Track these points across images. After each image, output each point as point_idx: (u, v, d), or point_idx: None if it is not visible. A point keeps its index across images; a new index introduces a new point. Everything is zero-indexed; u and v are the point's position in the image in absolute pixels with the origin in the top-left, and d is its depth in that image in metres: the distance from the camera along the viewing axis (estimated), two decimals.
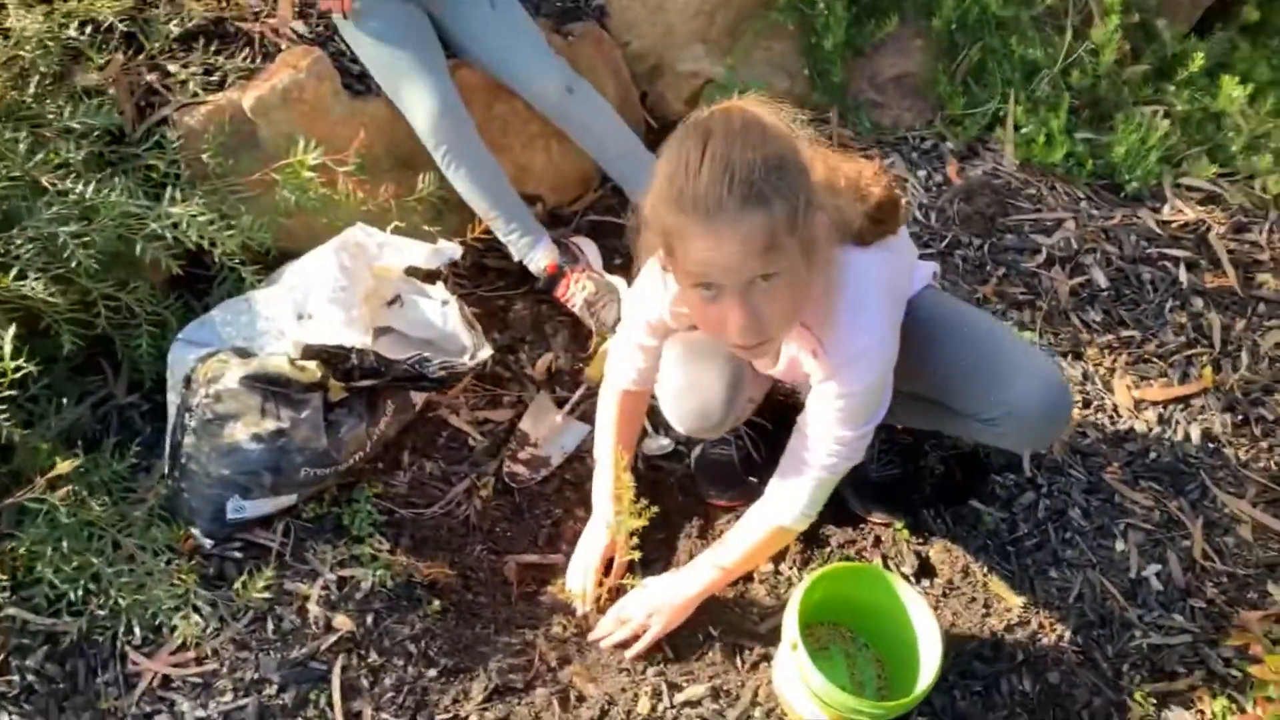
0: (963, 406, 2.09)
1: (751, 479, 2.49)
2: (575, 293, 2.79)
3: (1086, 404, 2.83)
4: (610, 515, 2.31)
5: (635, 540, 2.24)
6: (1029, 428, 2.04)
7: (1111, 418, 2.81)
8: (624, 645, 2.23)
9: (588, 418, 2.69)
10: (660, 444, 2.61)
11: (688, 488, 2.54)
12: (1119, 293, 3.09)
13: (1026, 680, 2.30)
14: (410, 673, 2.17)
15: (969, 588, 2.42)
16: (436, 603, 2.27)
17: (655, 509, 2.21)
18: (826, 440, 1.98)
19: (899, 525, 2.48)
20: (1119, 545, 2.55)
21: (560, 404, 2.70)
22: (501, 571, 2.39)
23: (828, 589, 2.14)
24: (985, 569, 2.45)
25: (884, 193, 1.86)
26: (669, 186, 1.62)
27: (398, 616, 2.24)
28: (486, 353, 2.47)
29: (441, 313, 2.49)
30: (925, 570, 2.44)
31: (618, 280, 2.81)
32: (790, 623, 2.04)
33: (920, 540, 2.48)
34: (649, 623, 2.22)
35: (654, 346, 2.20)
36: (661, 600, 2.21)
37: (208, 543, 2.31)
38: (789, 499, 2.08)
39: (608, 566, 2.33)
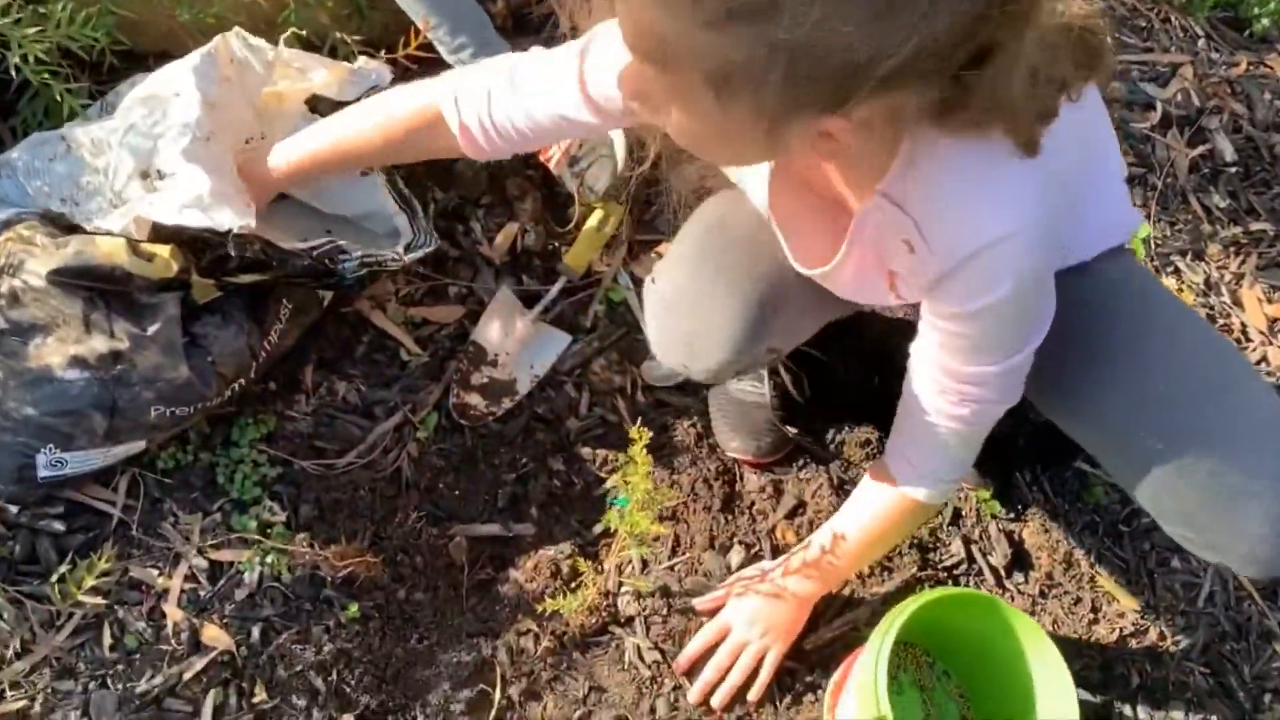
0: (1147, 501, 1.36)
1: (790, 429, 1.81)
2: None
3: (1210, 320, 2.18)
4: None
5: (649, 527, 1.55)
6: (1244, 562, 1.32)
7: (1239, 341, 2.18)
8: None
9: (571, 325, 1.95)
10: (668, 369, 1.89)
11: (706, 435, 1.85)
12: (1248, 170, 2.39)
13: (1143, 713, 1.74)
14: (316, 718, 1.50)
15: (1073, 584, 1.82)
16: (355, 606, 1.59)
17: (672, 493, 1.51)
18: (951, 381, 1.28)
19: (984, 494, 1.85)
20: None
21: (530, 302, 1.95)
22: (446, 550, 1.70)
23: (915, 613, 1.51)
24: (1093, 558, 1.85)
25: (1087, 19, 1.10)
26: None
27: (298, 629, 1.56)
28: (429, 245, 1.69)
29: (364, 180, 1.69)
30: (1019, 561, 1.82)
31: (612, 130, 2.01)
32: (878, 693, 1.40)
33: (1011, 516, 1.86)
34: (762, 646, 1.60)
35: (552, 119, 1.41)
36: (770, 612, 1.60)
37: (12, 509, 1.56)
38: (915, 463, 1.41)
39: None
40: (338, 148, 1.57)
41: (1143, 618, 1.82)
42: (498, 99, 1.42)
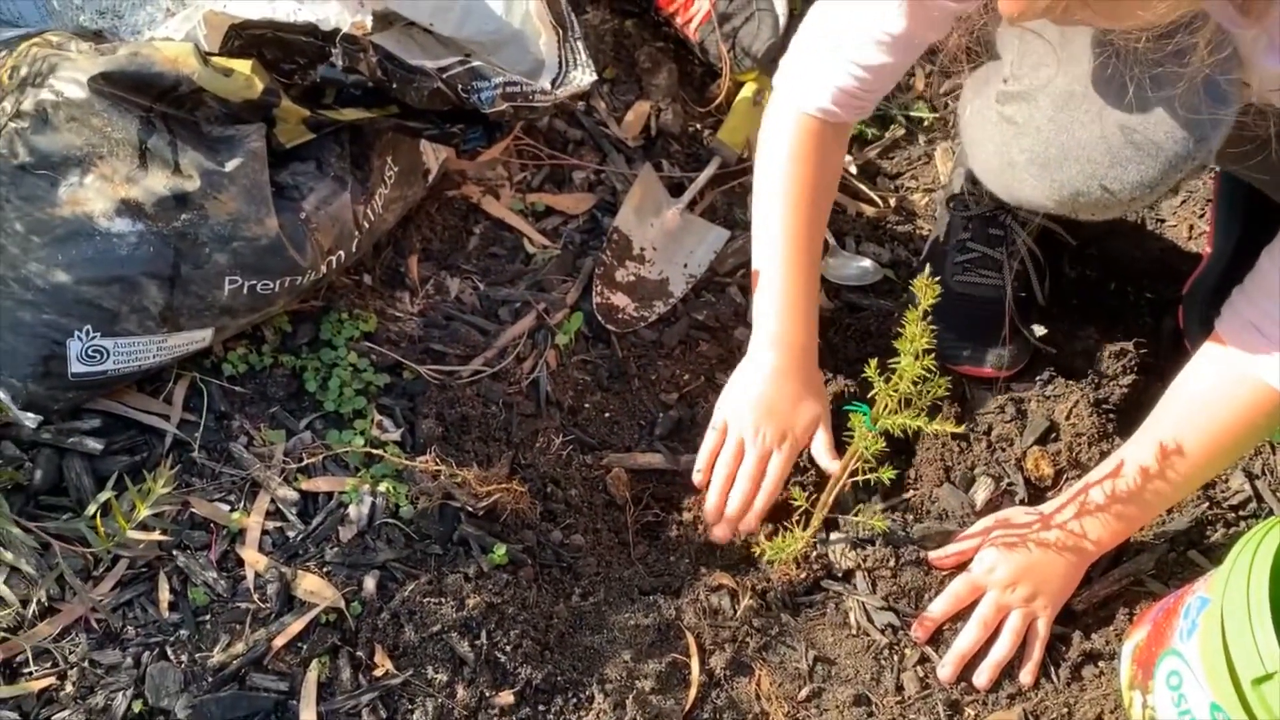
0: None
1: (1031, 329, 1.42)
2: None
3: None
4: (781, 356, 1.26)
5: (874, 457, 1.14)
6: None
7: None
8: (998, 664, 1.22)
9: (725, 218, 1.56)
10: (859, 266, 1.52)
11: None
12: None
13: None
14: (462, 698, 1.08)
15: None
16: (501, 548, 1.17)
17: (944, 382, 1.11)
18: None
19: None
20: None
21: (674, 191, 1.56)
22: (602, 484, 1.30)
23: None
24: None
25: None
26: None
27: (428, 578, 1.14)
28: (585, 79, 1.30)
29: None
30: None
31: None
32: (1260, 645, 1.01)
33: None
34: (1029, 611, 1.22)
35: (886, 65, 1.18)
36: (1039, 567, 1.21)
37: (29, 420, 1.14)
38: None
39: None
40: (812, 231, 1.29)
41: None
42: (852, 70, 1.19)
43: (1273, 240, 1.09)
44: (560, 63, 1.31)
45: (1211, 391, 1.13)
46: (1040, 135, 1.05)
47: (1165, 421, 1.16)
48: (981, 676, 1.21)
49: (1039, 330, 1.41)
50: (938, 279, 1.04)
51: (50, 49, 1.10)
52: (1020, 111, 1.07)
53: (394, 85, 1.16)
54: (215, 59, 1.12)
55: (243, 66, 1.12)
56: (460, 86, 1.19)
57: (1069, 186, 1.05)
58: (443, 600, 1.11)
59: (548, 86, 1.27)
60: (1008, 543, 1.23)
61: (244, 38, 1.12)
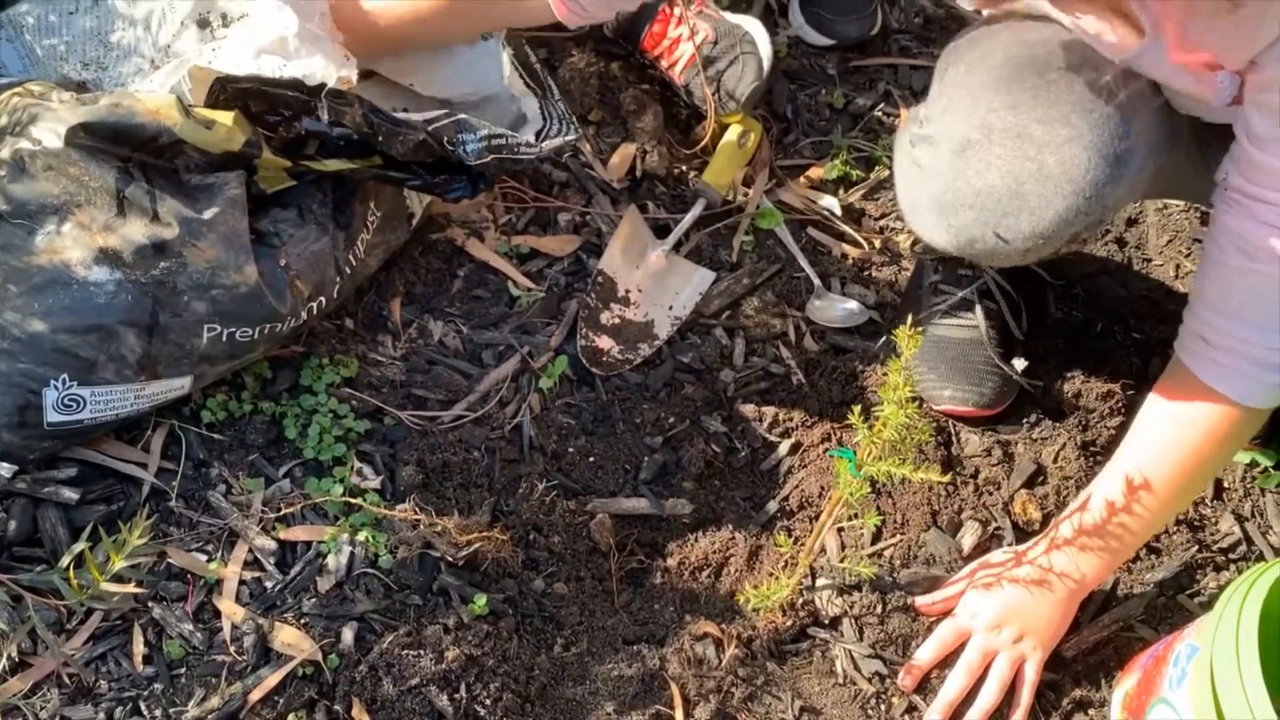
0: None
1: (1013, 363, 1.41)
2: (679, 40, 1.62)
3: None
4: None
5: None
6: None
7: None
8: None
9: (711, 260, 1.56)
10: (845, 308, 1.51)
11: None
12: None
13: None
14: None
15: None
16: (482, 598, 1.16)
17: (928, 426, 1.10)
18: None
19: (1254, 456, 1.46)
20: None
21: (659, 233, 1.56)
22: (586, 531, 1.29)
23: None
24: None
25: None
26: None
27: (407, 630, 1.12)
28: (570, 134, 1.30)
29: (481, 51, 1.30)
30: None
31: (751, 23, 1.65)
32: (1248, 694, 1.00)
33: None
34: (1017, 654, 1.20)
35: None
36: (1025, 608, 1.20)
37: (4, 470, 1.13)
38: (1227, 344, 1.07)
39: None
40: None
41: None
42: None
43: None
44: (544, 116, 1.31)
45: (1172, 410, 1.13)
46: (940, 180, 1.07)
47: (1134, 447, 1.16)
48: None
49: (1020, 364, 1.40)
50: (919, 327, 1.05)
51: (31, 99, 1.10)
52: (925, 155, 1.09)
53: (379, 138, 1.15)
54: (197, 110, 1.11)
55: (225, 118, 1.12)
56: (446, 138, 1.19)
57: (965, 233, 1.07)
58: (422, 652, 1.10)
59: (532, 139, 1.27)
60: (988, 583, 1.22)
61: (229, 91, 1.12)
